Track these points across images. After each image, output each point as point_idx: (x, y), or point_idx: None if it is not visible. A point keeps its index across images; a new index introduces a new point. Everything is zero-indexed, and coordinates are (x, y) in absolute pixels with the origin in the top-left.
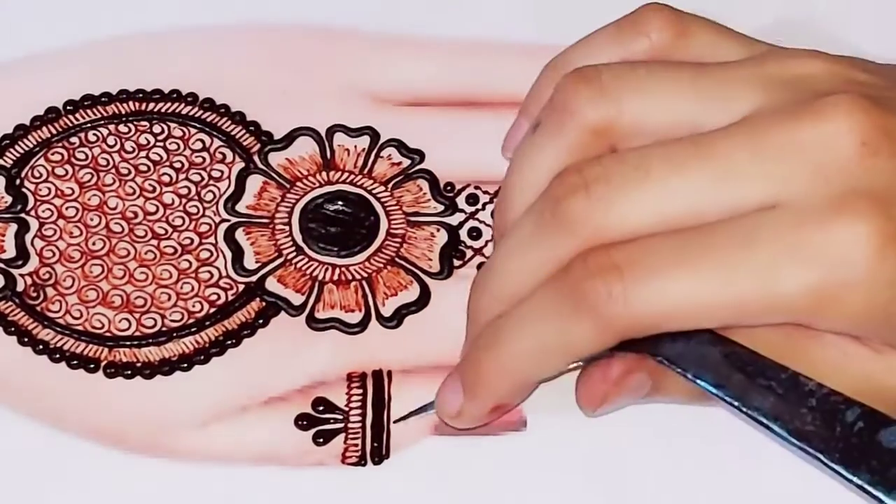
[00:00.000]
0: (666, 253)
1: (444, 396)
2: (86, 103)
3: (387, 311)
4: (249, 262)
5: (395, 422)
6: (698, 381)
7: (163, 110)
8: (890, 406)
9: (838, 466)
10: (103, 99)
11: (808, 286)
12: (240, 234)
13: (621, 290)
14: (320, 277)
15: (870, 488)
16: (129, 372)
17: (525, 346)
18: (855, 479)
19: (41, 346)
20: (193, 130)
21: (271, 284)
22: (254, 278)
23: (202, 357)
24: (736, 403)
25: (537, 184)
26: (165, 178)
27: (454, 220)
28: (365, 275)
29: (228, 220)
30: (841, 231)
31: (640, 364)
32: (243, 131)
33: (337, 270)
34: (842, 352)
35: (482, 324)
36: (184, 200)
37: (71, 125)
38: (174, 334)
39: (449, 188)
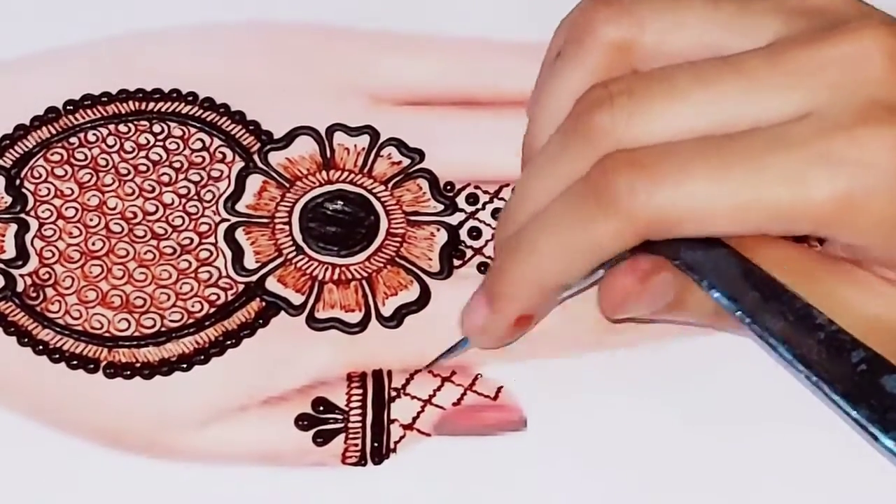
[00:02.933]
0: (693, 153)
1: (468, 311)
2: (86, 103)
3: (387, 311)
4: (249, 261)
5: (427, 367)
6: (713, 293)
7: (162, 110)
8: None
9: (839, 398)
10: (103, 99)
11: (834, 191)
12: (240, 234)
13: (644, 185)
14: (320, 277)
15: (868, 424)
16: (129, 372)
17: (548, 246)
18: (853, 413)
19: (41, 347)
20: (193, 130)
21: (271, 284)
22: (254, 278)
23: (202, 357)
24: (748, 320)
25: (562, 108)
26: (165, 178)
27: (454, 219)
28: (365, 274)
29: (228, 220)
30: (868, 138)
31: (665, 266)
32: (243, 131)
33: (337, 270)
34: (865, 284)
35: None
36: (183, 200)
37: (71, 125)
38: (174, 334)
39: (449, 188)
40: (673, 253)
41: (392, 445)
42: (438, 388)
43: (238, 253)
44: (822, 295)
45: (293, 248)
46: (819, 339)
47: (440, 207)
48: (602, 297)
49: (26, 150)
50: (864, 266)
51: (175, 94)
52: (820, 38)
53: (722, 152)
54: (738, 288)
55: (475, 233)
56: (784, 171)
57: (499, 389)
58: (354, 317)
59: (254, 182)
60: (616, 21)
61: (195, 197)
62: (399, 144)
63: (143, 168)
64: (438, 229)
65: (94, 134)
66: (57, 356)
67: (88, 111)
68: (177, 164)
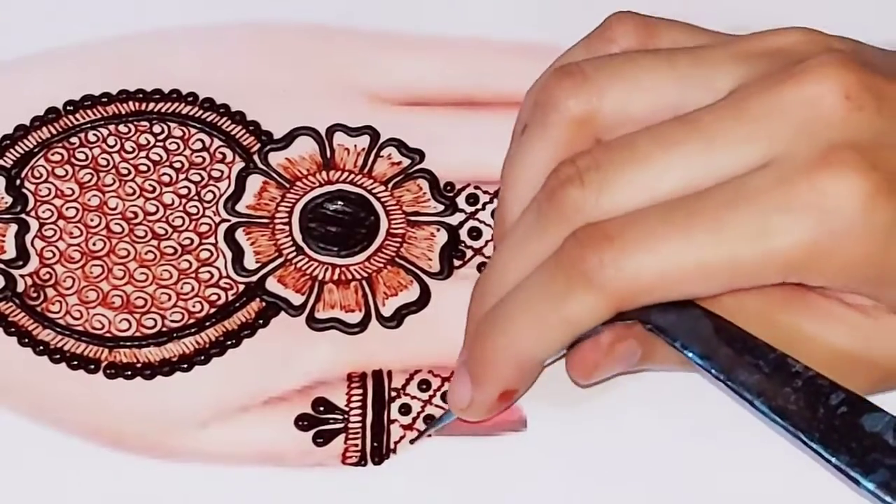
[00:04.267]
0: (656, 219)
1: (453, 389)
2: (86, 103)
3: (387, 311)
4: (249, 262)
5: (411, 442)
6: (686, 352)
7: (163, 110)
8: (882, 371)
9: (818, 446)
10: (103, 99)
11: (800, 239)
12: (240, 234)
13: (612, 257)
14: (320, 277)
15: (848, 469)
16: (130, 372)
17: (524, 324)
18: (833, 460)
19: (41, 347)
20: (193, 130)
21: (271, 284)
22: (254, 278)
23: (202, 357)
24: (721, 377)
25: (532, 183)
26: (165, 179)
27: (454, 219)
28: (365, 275)
29: (228, 220)
30: (829, 181)
31: (629, 332)
32: (243, 131)
33: (337, 270)
34: (832, 317)
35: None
36: (184, 200)
37: (71, 125)
38: (174, 335)
39: (449, 188)
40: (644, 317)
41: (392, 445)
42: (438, 389)
43: (238, 253)
44: (788, 333)
45: (293, 248)
46: (796, 386)
47: (440, 208)
48: (570, 368)
49: (26, 150)
50: (831, 294)
51: (175, 95)
52: (776, 84)
53: (685, 214)
54: (711, 345)
55: (475, 233)
56: (745, 226)
57: None
58: (354, 317)
59: (254, 182)
60: (576, 94)
61: (195, 197)
62: (399, 144)
63: (143, 168)
64: (438, 229)
65: (95, 134)
66: (57, 356)
67: (88, 111)
68: (177, 165)
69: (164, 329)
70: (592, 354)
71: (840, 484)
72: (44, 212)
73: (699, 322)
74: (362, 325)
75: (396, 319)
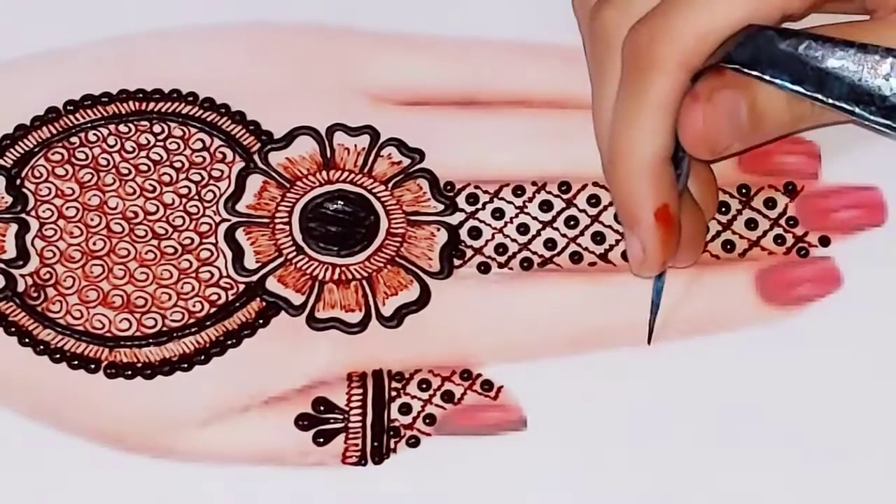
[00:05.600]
0: None
1: (628, 252)
2: (86, 103)
3: (387, 311)
4: (250, 261)
5: (649, 337)
6: (776, 82)
7: (163, 110)
8: None
9: None
10: (103, 99)
11: None
12: (240, 234)
13: (660, 25)
14: (320, 277)
15: None
16: (130, 372)
17: (625, 133)
18: None
19: (42, 347)
20: (193, 130)
21: (271, 284)
22: (254, 278)
23: (202, 357)
24: (817, 96)
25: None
26: (166, 178)
27: (454, 219)
28: (365, 274)
29: (229, 220)
30: None
31: (720, 80)
32: (243, 131)
33: (337, 270)
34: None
35: None
36: (184, 200)
37: (71, 125)
38: (175, 334)
39: (449, 187)
40: (725, 59)
41: (392, 445)
42: (438, 388)
43: (238, 253)
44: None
45: (293, 248)
46: (886, 74)
47: (440, 207)
48: (684, 140)
49: (27, 149)
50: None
51: (175, 95)
52: None
53: None
54: (796, 69)
55: (475, 233)
56: None
57: (499, 389)
58: (354, 317)
59: (254, 182)
60: None
61: (196, 197)
62: (399, 144)
63: (143, 168)
64: (438, 229)
65: (95, 134)
66: (58, 356)
67: (89, 111)
68: (177, 164)
69: (165, 329)
70: (693, 108)
71: (840, 484)
72: (44, 211)
73: (775, 48)
74: (362, 325)
75: (396, 319)
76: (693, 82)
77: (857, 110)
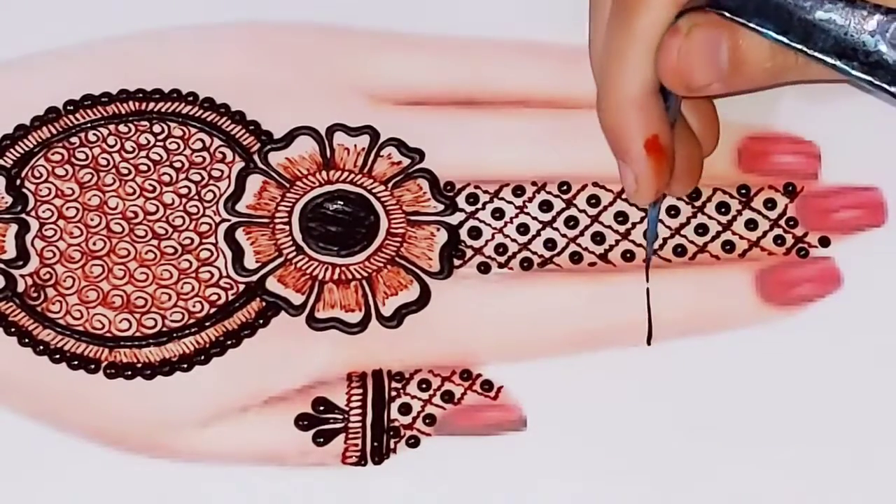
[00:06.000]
0: None
1: (623, 182)
2: (86, 103)
3: (387, 311)
4: (249, 261)
5: (646, 263)
6: (762, 31)
7: (163, 110)
8: None
9: None
10: (103, 99)
11: None
12: (240, 234)
13: None
14: (320, 277)
15: None
16: (130, 372)
17: (611, 66)
18: None
19: (42, 347)
20: (193, 130)
21: (271, 284)
22: (254, 278)
23: (202, 357)
24: (801, 47)
25: None
26: (166, 178)
27: (454, 219)
28: (365, 274)
29: (228, 220)
30: None
31: (704, 18)
32: (243, 131)
33: (337, 270)
34: None
35: None
36: (184, 200)
37: (71, 125)
38: (174, 334)
39: (449, 187)
40: (714, 3)
41: (392, 445)
42: (438, 388)
43: (238, 253)
44: None
45: (293, 248)
46: (871, 29)
47: (440, 207)
48: (660, 70)
49: (27, 150)
50: None
51: (175, 95)
52: None
53: None
54: (783, 18)
55: (475, 233)
56: None
57: (499, 389)
58: (354, 317)
59: (254, 182)
60: None
61: (196, 197)
62: (399, 144)
63: (143, 168)
64: (438, 229)
65: (95, 134)
66: (58, 356)
67: (88, 111)
68: (177, 164)
69: (165, 329)
70: (672, 41)
71: (840, 484)
72: (44, 212)
73: None
74: (362, 325)
75: (396, 319)
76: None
77: (839, 64)
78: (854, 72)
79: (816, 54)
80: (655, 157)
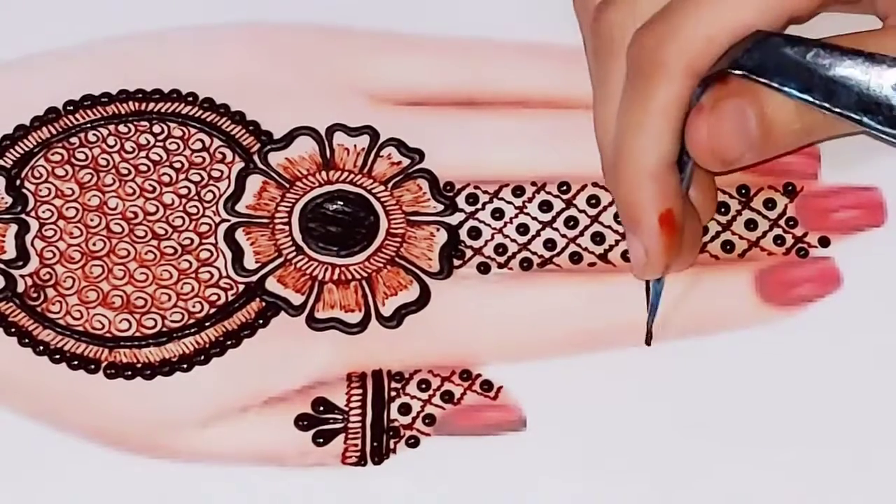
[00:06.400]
0: None
1: (630, 255)
2: (86, 103)
3: (387, 311)
4: (249, 262)
5: (647, 339)
6: (784, 90)
7: (163, 110)
8: None
9: None
10: (103, 99)
11: None
12: (240, 234)
13: (666, 30)
14: (320, 277)
15: None
16: (130, 373)
17: (629, 139)
18: None
19: (42, 347)
20: (193, 130)
21: (271, 284)
22: (254, 278)
23: (202, 357)
24: (826, 105)
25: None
26: (165, 179)
27: (454, 219)
28: (365, 274)
29: (228, 220)
30: None
31: (726, 90)
32: (243, 131)
33: (337, 270)
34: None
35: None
36: (184, 200)
37: (71, 125)
38: (174, 335)
39: (449, 188)
40: (732, 65)
41: (392, 445)
42: (438, 388)
43: (238, 253)
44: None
45: (293, 248)
46: (894, 82)
47: (440, 207)
48: (693, 150)
49: (26, 150)
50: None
51: (175, 95)
52: None
53: None
54: (804, 76)
55: (475, 233)
56: None
57: (499, 389)
58: (354, 317)
59: (254, 182)
60: None
61: (195, 197)
62: (399, 144)
63: (143, 168)
64: (438, 229)
65: (95, 134)
66: (58, 357)
67: (88, 111)
68: (177, 165)
69: (164, 329)
70: (698, 119)
71: (840, 484)
72: (44, 212)
73: (783, 54)
74: (362, 325)
75: (396, 319)
76: (702, 90)
77: (864, 119)
78: (879, 126)
79: (840, 110)
80: (668, 231)
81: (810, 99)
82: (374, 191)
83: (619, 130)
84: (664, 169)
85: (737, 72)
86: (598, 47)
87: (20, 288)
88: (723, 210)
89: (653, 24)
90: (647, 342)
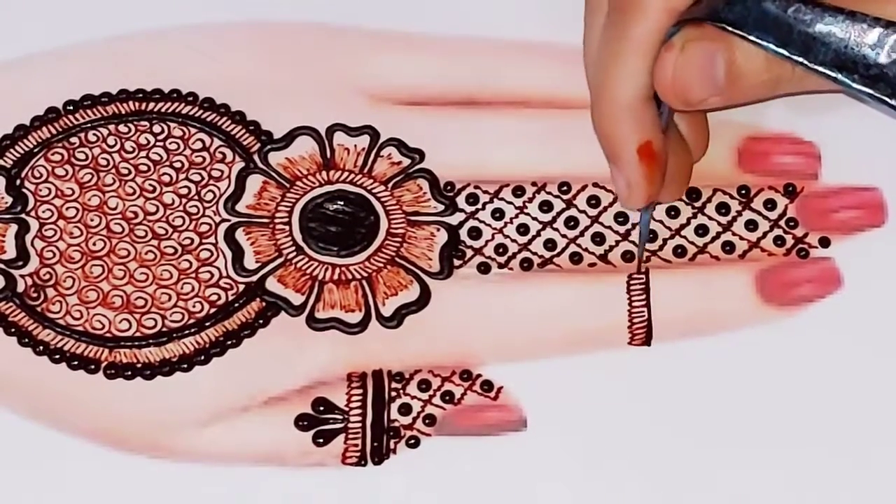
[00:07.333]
0: None
1: (615, 187)
2: (86, 103)
3: (387, 311)
4: (249, 262)
5: (637, 269)
6: (763, 44)
7: (163, 110)
8: None
9: None
10: (103, 99)
11: None
12: (240, 234)
13: None
14: (320, 277)
15: None
16: (130, 373)
17: (606, 70)
18: None
19: (41, 347)
20: (193, 130)
21: (271, 284)
22: (254, 278)
23: (202, 357)
24: (801, 60)
25: None
26: (165, 178)
27: (454, 219)
28: (365, 274)
29: (228, 220)
30: None
31: (700, 33)
32: (243, 131)
33: (337, 270)
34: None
35: None
36: (184, 200)
37: (71, 125)
38: (174, 335)
39: (449, 188)
40: (713, 16)
41: (392, 445)
42: (438, 388)
43: (238, 253)
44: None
45: (293, 248)
46: (873, 43)
47: (440, 207)
48: (657, 86)
49: (26, 150)
50: None
51: (175, 95)
52: None
53: None
54: (783, 31)
55: (475, 233)
56: None
57: (499, 389)
58: (354, 317)
59: (254, 182)
60: None
61: (195, 197)
62: (399, 144)
63: (143, 168)
64: (438, 229)
65: (95, 134)
66: (58, 357)
67: (88, 111)
68: (177, 165)
69: (164, 329)
70: (667, 55)
71: (840, 484)
72: (44, 212)
73: (765, 7)
74: (362, 325)
75: (396, 319)
76: (676, 30)
77: (840, 77)
78: (855, 84)
79: (817, 67)
80: (648, 162)
81: (786, 54)
82: (374, 191)
83: (597, 64)
84: (640, 102)
85: (716, 24)
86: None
87: (20, 288)
88: (723, 211)
89: None
90: (638, 270)
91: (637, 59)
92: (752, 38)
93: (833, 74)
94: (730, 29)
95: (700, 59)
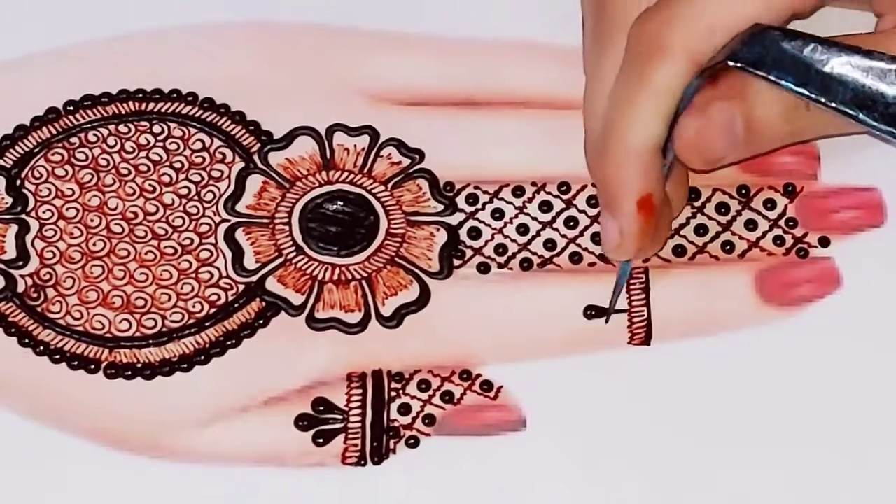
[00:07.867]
0: None
1: (603, 235)
2: (86, 103)
3: (387, 311)
4: (249, 262)
5: (609, 312)
6: (781, 83)
7: (163, 110)
8: None
9: None
10: (103, 99)
11: None
12: (240, 234)
13: (671, 15)
14: (320, 277)
15: None
16: (130, 373)
17: (619, 115)
18: None
19: (42, 347)
20: (193, 130)
21: (271, 284)
22: (254, 278)
23: (202, 357)
24: (822, 100)
25: None
26: (165, 179)
27: (454, 219)
28: (365, 274)
29: (228, 220)
30: None
31: (717, 93)
32: (243, 131)
33: (337, 270)
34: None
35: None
36: (184, 200)
37: (71, 125)
38: (174, 335)
39: (449, 188)
40: (730, 57)
41: (391, 445)
42: (438, 388)
43: (238, 253)
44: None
45: (293, 248)
46: (891, 80)
47: (440, 207)
48: (679, 147)
49: (26, 150)
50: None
51: (175, 95)
52: None
53: None
54: (801, 70)
55: (475, 233)
56: None
57: (498, 389)
58: (354, 317)
59: (254, 182)
60: None
61: (195, 197)
62: (399, 144)
63: (143, 168)
64: (438, 229)
65: (95, 134)
66: (58, 357)
67: (88, 111)
68: (177, 165)
69: (164, 329)
70: (689, 120)
71: (840, 484)
72: (44, 212)
73: (781, 49)
74: (362, 325)
75: (396, 319)
76: (696, 83)
77: (860, 115)
78: (875, 123)
79: (836, 105)
80: (646, 215)
81: (806, 93)
82: (374, 191)
83: (611, 108)
84: (651, 151)
85: (735, 64)
86: (598, 27)
87: (20, 288)
88: (723, 210)
89: (657, 8)
90: (606, 320)
91: (655, 106)
92: (771, 77)
93: (853, 113)
94: (749, 70)
95: (722, 119)
